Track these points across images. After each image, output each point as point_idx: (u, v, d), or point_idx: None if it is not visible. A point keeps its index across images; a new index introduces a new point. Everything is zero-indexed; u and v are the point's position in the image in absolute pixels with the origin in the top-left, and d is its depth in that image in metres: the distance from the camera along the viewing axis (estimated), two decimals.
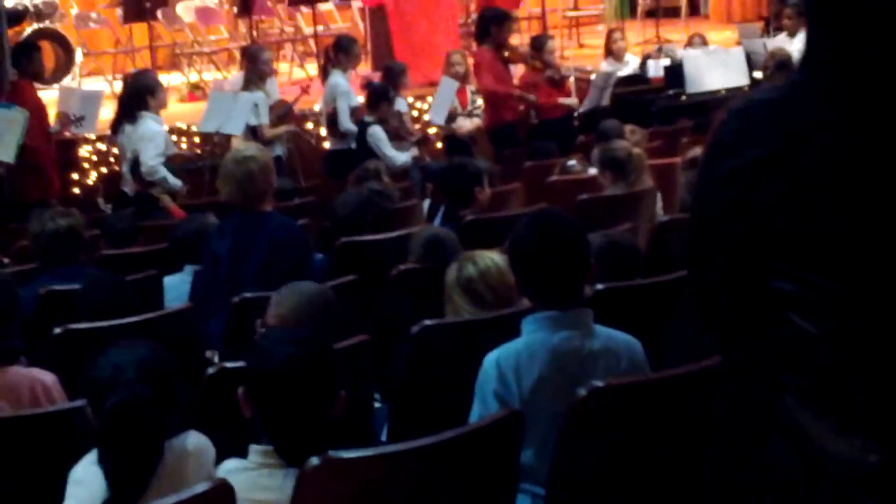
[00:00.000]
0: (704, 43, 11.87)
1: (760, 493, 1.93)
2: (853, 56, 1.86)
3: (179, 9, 14.29)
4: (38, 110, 9.21)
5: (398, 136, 9.69)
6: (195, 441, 2.95)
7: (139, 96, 8.54)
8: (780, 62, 10.13)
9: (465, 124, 10.39)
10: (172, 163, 8.62)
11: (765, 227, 1.88)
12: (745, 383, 1.98)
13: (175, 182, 8.49)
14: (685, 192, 6.00)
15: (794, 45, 10.80)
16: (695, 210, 2.07)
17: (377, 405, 4.16)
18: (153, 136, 8.42)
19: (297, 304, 3.69)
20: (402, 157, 9.46)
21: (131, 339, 2.98)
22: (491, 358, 3.28)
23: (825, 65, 1.90)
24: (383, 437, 3.84)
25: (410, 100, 11.04)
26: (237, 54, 13.68)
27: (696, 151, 6.54)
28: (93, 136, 10.35)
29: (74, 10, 14.44)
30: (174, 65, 14.49)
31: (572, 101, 10.64)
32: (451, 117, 10.23)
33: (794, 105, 1.90)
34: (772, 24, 12.46)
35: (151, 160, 8.33)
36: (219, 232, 5.37)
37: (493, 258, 3.86)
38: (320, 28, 13.87)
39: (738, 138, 1.93)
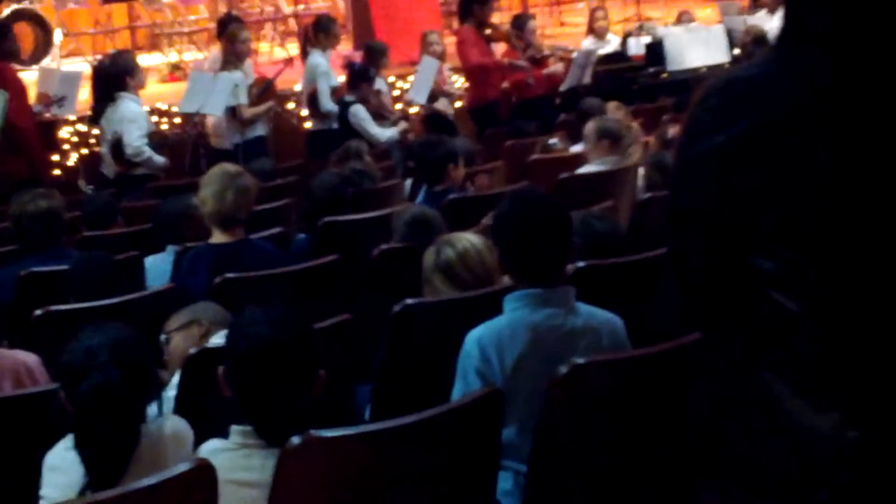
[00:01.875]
0: (692, 20, 11.88)
1: (741, 468, 1.94)
2: (832, 30, 1.86)
3: None
4: (20, 90, 9.15)
5: (379, 115, 9.67)
6: (173, 425, 2.94)
7: (118, 78, 8.52)
8: (756, 38, 10.15)
9: (445, 104, 10.40)
10: (151, 140, 8.60)
11: (744, 204, 1.88)
12: (725, 360, 1.99)
13: (159, 160, 8.53)
14: (652, 171, 6.01)
15: (774, 22, 10.81)
16: (674, 189, 2.07)
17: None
18: (135, 117, 8.43)
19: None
20: (387, 132, 9.44)
21: (103, 323, 2.94)
22: (473, 336, 3.28)
23: (803, 40, 1.90)
24: (366, 417, 3.84)
25: (391, 79, 11.02)
26: None
27: (673, 132, 6.58)
28: (73, 118, 10.31)
29: None
30: (154, 45, 14.44)
31: (557, 67, 10.61)
32: (432, 96, 10.23)
33: (772, 82, 1.90)
34: (752, 1, 12.45)
35: (136, 140, 8.35)
36: (191, 266, 4.96)
37: (470, 240, 3.86)
38: (300, 7, 13.86)
39: (716, 116, 1.93)
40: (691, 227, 1.97)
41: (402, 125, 9.66)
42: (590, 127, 6.87)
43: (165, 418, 2.96)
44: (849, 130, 1.82)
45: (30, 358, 3.76)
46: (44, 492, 2.85)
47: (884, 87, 1.83)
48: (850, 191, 1.82)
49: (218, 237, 4.96)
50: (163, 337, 3.75)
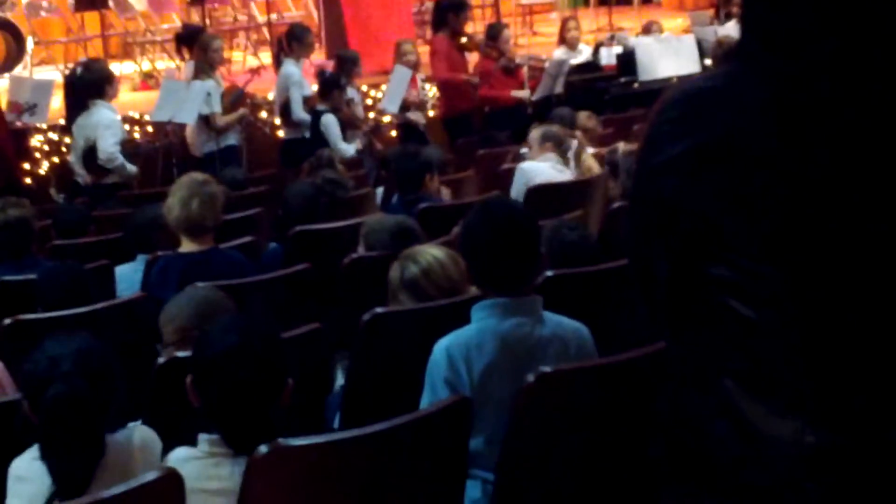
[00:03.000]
0: (661, 30, 11.94)
1: (705, 474, 1.96)
2: (787, 37, 1.89)
3: None
4: None
5: (351, 124, 9.68)
6: (141, 435, 2.94)
7: (97, 85, 8.51)
8: (727, 50, 10.20)
9: (418, 114, 10.43)
10: (124, 149, 8.58)
11: (703, 213, 1.90)
12: (688, 368, 2.01)
13: (132, 168, 8.52)
14: (627, 178, 6.04)
15: None
16: (633, 199, 2.10)
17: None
18: (110, 124, 8.43)
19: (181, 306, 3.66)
20: (350, 149, 9.45)
21: (67, 332, 2.94)
22: (441, 346, 3.29)
23: (760, 48, 1.92)
24: (335, 425, 3.85)
25: (364, 88, 11.03)
26: None
27: (620, 146, 6.69)
28: (44, 126, 10.27)
29: None
30: (126, 53, 14.39)
31: (524, 93, 10.64)
32: (405, 106, 10.25)
33: (730, 91, 1.92)
34: (722, 11, 12.53)
35: (111, 147, 8.34)
36: (160, 275, 4.92)
37: (433, 254, 3.85)
38: (274, 16, 13.82)
39: (675, 127, 1.94)
40: (650, 237, 2.00)
41: (359, 143, 9.66)
42: (534, 134, 7.07)
43: (133, 428, 2.96)
44: (805, 136, 1.85)
45: None
46: (9, 502, 2.84)
47: (840, 93, 1.85)
48: (809, 201, 1.84)
49: (186, 245, 4.97)
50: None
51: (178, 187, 5.04)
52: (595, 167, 6.91)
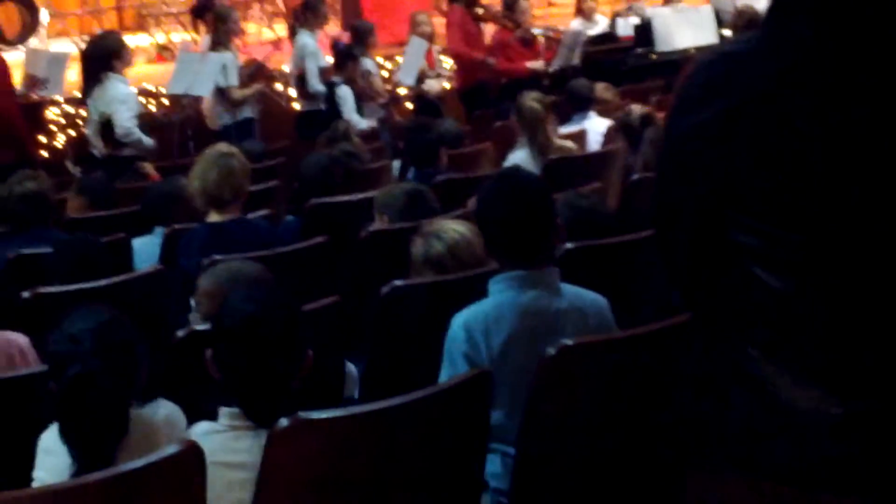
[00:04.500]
0: (679, 1, 11.88)
1: (728, 445, 1.95)
2: (822, 5, 1.86)
3: None
4: (2, 72, 9.10)
5: (367, 96, 9.65)
6: (166, 412, 2.93)
7: (105, 58, 8.46)
8: (749, 20, 10.13)
9: (434, 85, 10.38)
10: (140, 121, 8.57)
11: (729, 179, 1.89)
12: (711, 337, 2.00)
13: (149, 142, 8.48)
14: (649, 149, 6.00)
15: (762, 3, 10.80)
16: (661, 164, 2.08)
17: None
18: (125, 98, 8.37)
19: (219, 279, 3.63)
20: (363, 123, 9.43)
21: (88, 307, 2.91)
22: (459, 320, 3.28)
23: (793, 15, 1.90)
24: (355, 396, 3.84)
25: (380, 59, 10.99)
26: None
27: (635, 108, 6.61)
28: (60, 99, 10.27)
29: None
30: (141, 26, 14.38)
31: (539, 64, 10.58)
32: (420, 78, 10.21)
33: (759, 55, 1.90)
34: None
35: (127, 121, 8.29)
36: (185, 245, 4.93)
37: (457, 230, 3.82)
38: None
39: (704, 91, 1.93)
40: (677, 204, 1.98)
41: (378, 114, 9.62)
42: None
43: (157, 405, 2.95)
44: (834, 100, 1.83)
45: (21, 339, 3.75)
46: (36, 473, 2.85)
47: (869, 54, 1.83)
48: (837, 166, 1.82)
49: (213, 216, 5.01)
50: (193, 302, 3.72)
51: (201, 159, 5.08)
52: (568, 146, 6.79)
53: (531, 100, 6.72)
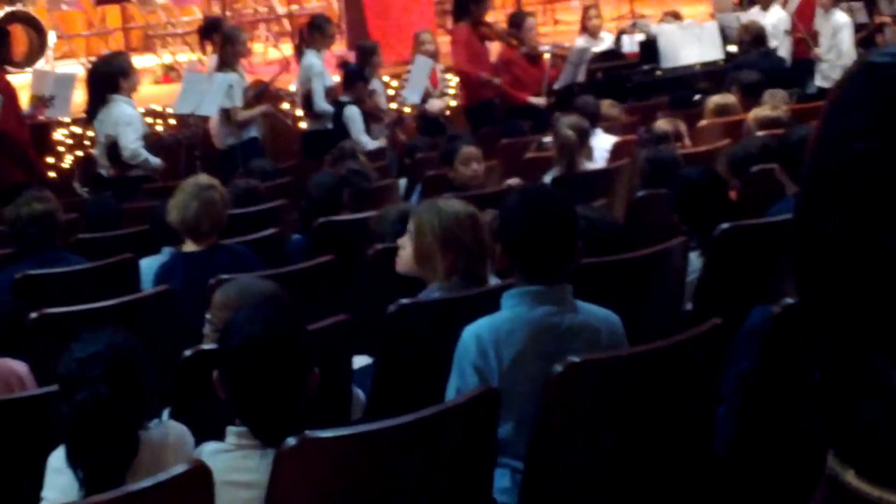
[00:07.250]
0: (677, 18, 11.91)
1: (852, 455, 1.92)
2: None
3: None
4: (10, 96, 9.13)
5: (374, 116, 9.67)
6: (175, 433, 2.92)
7: (111, 79, 8.48)
8: (755, 36, 10.17)
9: (436, 104, 10.39)
10: (147, 142, 8.59)
11: (888, 181, 1.85)
12: (840, 347, 1.96)
13: (156, 162, 8.50)
14: (647, 166, 5.96)
15: (768, 19, 10.82)
16: (812, 170, 2.04)
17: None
18: (131, 120, 8.39)
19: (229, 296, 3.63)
20: (371, 143, 9.45)
21: (96, 329, 2.90)
22: (471, 330, 3.27)
23: None
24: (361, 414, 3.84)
25: (386, 78, 11.02)
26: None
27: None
28: (67, 120, 10.30)
29: None
30: (148, 46, 14.42)
31: (540, 101, 10.50)
32: (424, 97, 10.23)
33: None
34: None
35: (133, 143, 8.31)
36: (165, 276, 4.90)
37: (455, 205, 3.93)
38: (294, 7, 13.83)
39: (867, 90, 1.90)
40: (828, 208, 1.93)
41: (384, 137, 9.65)
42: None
43: (167, 426, 2.95)
44: None
45: (20, 366, 3.73)
46: (45, 493, 2.84)
47: None
48: None
49: (189, 246, 4.98)
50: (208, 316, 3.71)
51: (180, 190, 5.02)
52: None
53: (566, 126, 6.65)
